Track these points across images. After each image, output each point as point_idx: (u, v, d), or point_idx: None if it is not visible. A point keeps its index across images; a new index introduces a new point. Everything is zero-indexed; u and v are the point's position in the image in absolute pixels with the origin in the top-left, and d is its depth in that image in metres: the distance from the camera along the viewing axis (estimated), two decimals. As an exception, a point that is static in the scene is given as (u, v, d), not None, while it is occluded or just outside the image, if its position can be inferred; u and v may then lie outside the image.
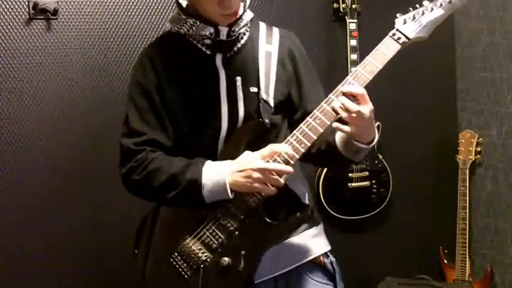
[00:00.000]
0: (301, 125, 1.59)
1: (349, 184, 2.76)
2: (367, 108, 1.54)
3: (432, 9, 1.64)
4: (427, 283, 2.80)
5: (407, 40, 1.61)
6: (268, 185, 1.56)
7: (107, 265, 2.45)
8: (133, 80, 1.72)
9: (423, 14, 1.64)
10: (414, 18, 1.63)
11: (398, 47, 1.60)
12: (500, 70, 2.86)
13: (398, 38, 1.61)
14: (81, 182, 2.42)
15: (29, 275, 2.35)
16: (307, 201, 1.71)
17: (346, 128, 1.56)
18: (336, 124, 1.56)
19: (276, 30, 1.78)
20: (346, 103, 1.54)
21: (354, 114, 1.53)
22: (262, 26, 1.79)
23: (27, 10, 2.30)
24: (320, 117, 1.57)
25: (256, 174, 1.55)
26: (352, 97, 1.55)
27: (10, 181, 2.33)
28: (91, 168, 2.42)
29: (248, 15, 1.73)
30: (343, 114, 1.54)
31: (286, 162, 1.57)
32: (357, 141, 1.61)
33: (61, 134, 2.38)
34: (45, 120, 2.36)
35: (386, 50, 1.59)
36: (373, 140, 1.65)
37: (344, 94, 1.56)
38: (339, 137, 1.67)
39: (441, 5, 1.64)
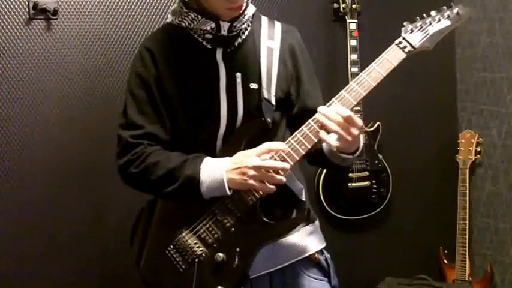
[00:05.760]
0: (302, 127, 1.59)
1: (349, 184, 2.75)
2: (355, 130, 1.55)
3: (439, 20, 1.65)
4: (427, 283, 2.81)
5: (412, 49, 1.62)
6: (265, 182, 1.56)
7: (108, 266, 2.44)
8: (133, 70, 1.71)
9: (430, 24, 1.64)
10: (421, 27, 1.64)
11: (404, 55, 1.61)
12: (500, 70, 2.86)
13: (404, 47, 1.61)
14: (81, 182, 2.41)
15: (29, 276, 2.34)
16: (303, 198, 1.71)
17: (330, 141, 1.55)
18: (322, 135, 1.56)
19: (278, 25, 1.78)
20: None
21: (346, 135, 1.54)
22: (264, 20, 1.78)
23: (27, 10, 2.30)
24: None
25: (252, 172, 1.55)
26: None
27: (9, 181, 2.32)
28: (91, 168, 2.41)
29: (250, 10, 1.72)
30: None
31: (284, 161, 1.57)
32: (342, 152, 1.63)
33: (61, 134, 2.38)
34: (45, 120, 2.36)
35: (391, 57, 1.60)
36: (357, 150, 1.66)
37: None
38: (325, 145, 1.68)
39: (449, 16, 1.65)
